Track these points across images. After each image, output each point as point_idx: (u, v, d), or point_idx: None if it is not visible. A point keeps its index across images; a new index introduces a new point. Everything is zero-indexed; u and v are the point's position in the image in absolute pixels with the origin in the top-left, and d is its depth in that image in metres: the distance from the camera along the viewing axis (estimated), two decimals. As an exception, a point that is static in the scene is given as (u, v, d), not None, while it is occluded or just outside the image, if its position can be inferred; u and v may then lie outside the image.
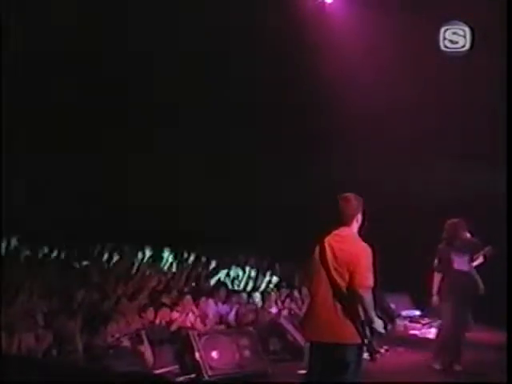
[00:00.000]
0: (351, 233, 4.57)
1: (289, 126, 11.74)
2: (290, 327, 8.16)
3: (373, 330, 4.32)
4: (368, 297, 4.33)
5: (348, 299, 4.35)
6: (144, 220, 11.55)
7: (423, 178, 11.19)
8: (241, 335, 7.15)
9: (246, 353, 6.90)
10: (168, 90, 11.38)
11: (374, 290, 4.60)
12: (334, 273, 4.40)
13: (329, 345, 4.37)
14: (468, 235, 7.10)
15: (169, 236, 11.08)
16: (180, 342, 6.92)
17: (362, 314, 4.32)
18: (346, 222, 4.56)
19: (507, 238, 6.38)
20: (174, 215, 11.82)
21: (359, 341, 4.33)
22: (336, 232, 4.57)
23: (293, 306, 9.57)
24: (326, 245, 4.51)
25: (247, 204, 12.20)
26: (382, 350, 8.15)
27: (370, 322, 4.31)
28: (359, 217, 4.60)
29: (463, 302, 7.04)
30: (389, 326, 9.80)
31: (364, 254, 4.44)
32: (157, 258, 10.57)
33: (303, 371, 6.34)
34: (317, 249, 4.58)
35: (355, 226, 4.59)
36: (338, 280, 4.39)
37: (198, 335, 6.77)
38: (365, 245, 4.52)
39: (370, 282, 4.39)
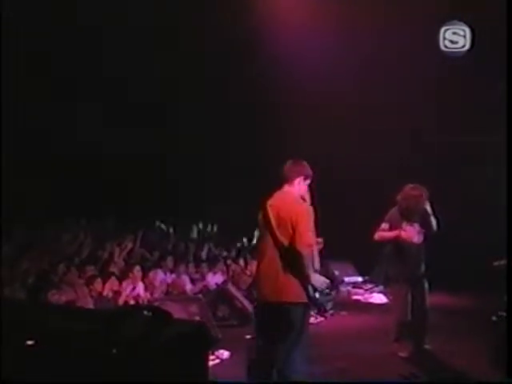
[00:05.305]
0: (291, 191, 4.67)
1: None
2: (237, 294, 8.35)
3: (315, 288, 4.42)
4: (306, 254, 4.40)
5: (292, 258, 4.42)
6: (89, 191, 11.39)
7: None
8: (190, 302, 7.26)
9: (196, 319, 7.02)
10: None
11: (319, 255, 4.75)
12: (277, 232, 4.49)
13: (275, 304, 4.45)
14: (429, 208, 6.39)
15: (116, 206, 11.02)
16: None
17: (303, 271, 4.40)
18: (287, 181, 4.69)
19: (507, 234, 6.12)
20: (122, 185, 11.72)
21: (304, 300, 4.44)
22: (277, 192, 4.70)
23: (238, 273, 9.77)
24: (268, 206, 4.60)
25: (196, 174, 12.25)
26: (328, 315, 8.51)
27: (308, 279, 4.40)
28: (301, 180, 4.70)
29: (416, 277, 6.40)
30: (333, 292, 10.20)
31: (304, 213, 4.53)
32: (105, 228, 10.52)
33: (251, 336, 6.57)
34: (260, 212, 4.68)
35: (297, 187, 4.69)
36: (282, 239, 4.47)
37: (148, 302, 6.85)
38: (306, 205, 4.64)
39: (310, 240, 4.48)
